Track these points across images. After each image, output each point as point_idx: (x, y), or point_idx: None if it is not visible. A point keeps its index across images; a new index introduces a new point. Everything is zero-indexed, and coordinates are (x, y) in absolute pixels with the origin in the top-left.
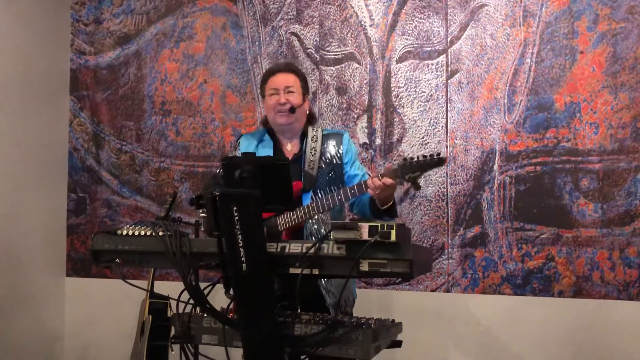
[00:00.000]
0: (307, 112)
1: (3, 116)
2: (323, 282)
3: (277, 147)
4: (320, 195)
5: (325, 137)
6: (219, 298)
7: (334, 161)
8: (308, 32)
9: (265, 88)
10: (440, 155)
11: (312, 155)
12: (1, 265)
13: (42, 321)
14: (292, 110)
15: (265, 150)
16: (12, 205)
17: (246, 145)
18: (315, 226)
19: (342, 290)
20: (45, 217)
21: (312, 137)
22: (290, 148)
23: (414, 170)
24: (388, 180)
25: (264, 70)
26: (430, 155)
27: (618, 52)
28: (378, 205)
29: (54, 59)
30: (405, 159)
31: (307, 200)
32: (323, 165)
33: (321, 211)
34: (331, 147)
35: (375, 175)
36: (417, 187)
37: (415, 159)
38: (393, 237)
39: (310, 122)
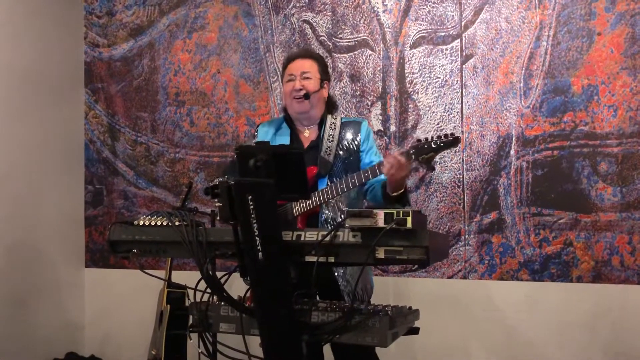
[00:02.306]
0: (326, 98)
1: (19, 110)
2: (340, 270)
3: (294, 134)
4: (335, 182)
5: (344, 125)
6: (236, 286)
7: (351, 148)
8: (320, 20)
9: (284, 75)
10: (455, 135)
11: (330, 142)
12: (22, 257)
13: (63, 311)
14: (307, 96)
15: (282, 139)
16: (31, 198)
17: (263, 134)
18: (331, 213)
19: (358, 278)
20: (63, 209)
21: (331, 124)
22: (307, 135)
23: (427, 151)
24: (402, 159)
25: (279, 59)
26: (444, 135)
27: (637, 32)
28: (389, 191)
29: (68, 52)
30: (419, 140)
31: (322, 185)
32: (340, 152)
33: (335, 196)
34: (349, 135)
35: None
36: (431, 168)
37: (429, 140)
38: (409, 224)
39: (330, 110)
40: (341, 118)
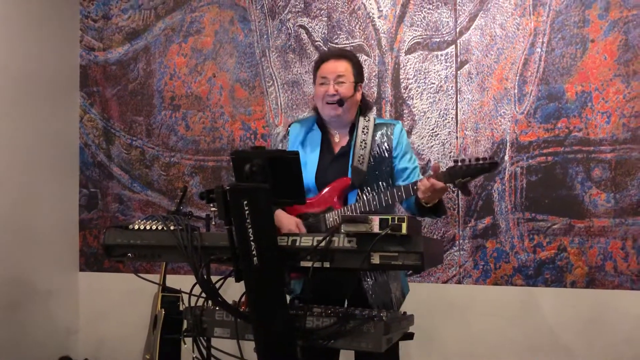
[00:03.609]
0: (359, 101)
1: (14, 113)
2: (369, 280)
3: (325, 137)
4: (368, 193)
5: (376, 128)
6: (231, 291)
7: (384, 154)
8: (316, 25)
9: (316, 75)
10: (493, 159)
11: (362, 149)
12: (16, 260)
13: (57, 315)
14: (341, 102)
15: (313, 141)
16: (25, 201)
17: (295, 135)
18: None
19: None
20: (57, 212)
21: (363, 128)
22: (338, 140)
23: (464, 175)
24: (438, 184)
25: (274, 63)
26: (482, 159)
27: (630, 40)
28: (422, 203)
29: (63, 56)
30: (455, 162)
31: (353, 196)
32: (372, 160)
33: (367, 211)
34: (381, 139)
35: (427, 176)
36: (468, 193)
37: (467, 162)
38: (404, 230)
39: (363, 112)
40: (375, 119)
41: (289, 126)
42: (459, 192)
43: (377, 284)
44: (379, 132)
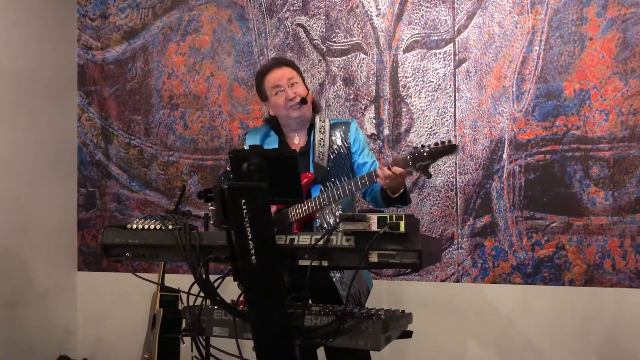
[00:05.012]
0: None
1: (12, 113)
2: (337, 274)
3: (283, 141)
4: (330, 187)
5: (333, 127)
6: (229, 290)
7: (342, 151)
8: (314, 23)
9: (265, 89)
10: (452, 142)
11: (321, 147)
12: (14, 260)
13: (55, 315)
14: (304, 101)
15: (271, 145)
16: (23, 200)
17: (252, 141)
18: (327, 217)
19: (352, 282)
20: (55, 212)
21: (320, 128)
22: (297, 141)
23: (424, 158)
24: (397, 169)
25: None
26: (441, 143)
27: (628, 38)
28: (389, 193)
29: (61, 55)
30: (415, 147)
31: (316, 191)
32: (332, 156)
33: (332, 202)
34: (339, 137)
35: (385, 165)
36: (428, 175)
37: (427, 147)
38: (402, 228)
39: (316, 111)
40: (330, 120)
41: (245, 135)
42: (422, 174)
43: (345, 276)
44: (336, 131)
